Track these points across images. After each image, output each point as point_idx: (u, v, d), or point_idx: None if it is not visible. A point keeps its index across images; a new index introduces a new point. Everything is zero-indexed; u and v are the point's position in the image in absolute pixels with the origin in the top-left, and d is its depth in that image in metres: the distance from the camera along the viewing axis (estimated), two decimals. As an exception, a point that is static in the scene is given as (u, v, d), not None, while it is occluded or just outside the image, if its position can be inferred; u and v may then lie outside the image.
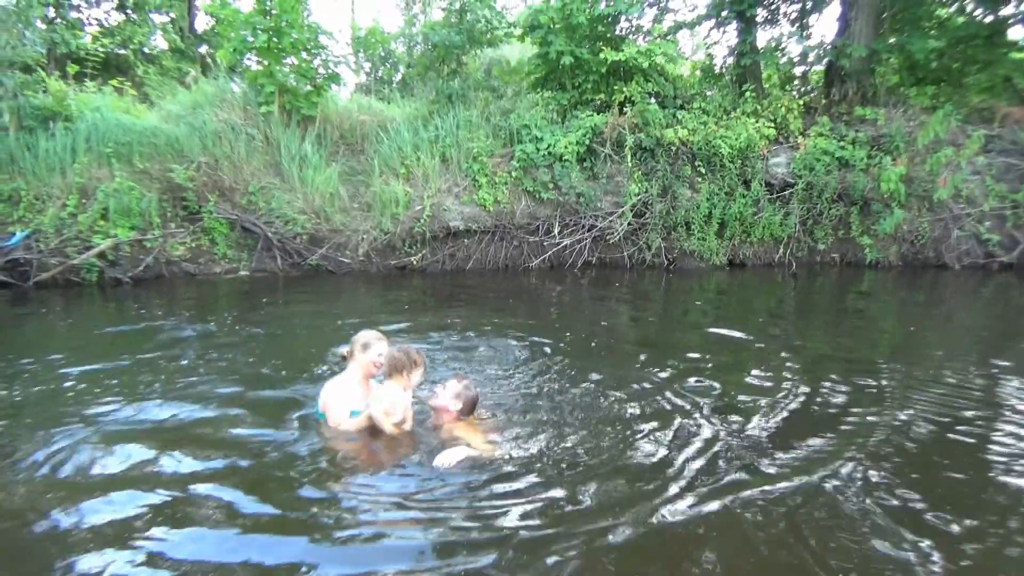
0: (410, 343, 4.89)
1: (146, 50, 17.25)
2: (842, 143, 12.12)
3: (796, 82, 14.75)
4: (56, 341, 7.12)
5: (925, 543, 3.26)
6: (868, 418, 4.85)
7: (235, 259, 10.82)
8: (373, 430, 4.19)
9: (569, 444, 4.26)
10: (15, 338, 7.22)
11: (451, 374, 4.38)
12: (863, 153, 11.97)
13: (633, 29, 13.65)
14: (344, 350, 4.45)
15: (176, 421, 4.60)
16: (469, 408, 4.24)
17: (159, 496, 3.57)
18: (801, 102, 12.88)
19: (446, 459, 3.72)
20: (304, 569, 3.01)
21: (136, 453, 4.07)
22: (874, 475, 3.96)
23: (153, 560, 3.05)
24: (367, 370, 4.31)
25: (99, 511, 3.44)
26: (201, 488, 3.66)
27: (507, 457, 3.94)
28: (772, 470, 3.97)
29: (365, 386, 4.32)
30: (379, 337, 4.34)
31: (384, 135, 11.90)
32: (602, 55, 11.89)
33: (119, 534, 3.24)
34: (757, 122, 12.17)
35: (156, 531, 3.27)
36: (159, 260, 10.30)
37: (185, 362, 6.04)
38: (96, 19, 17.28)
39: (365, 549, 3.18)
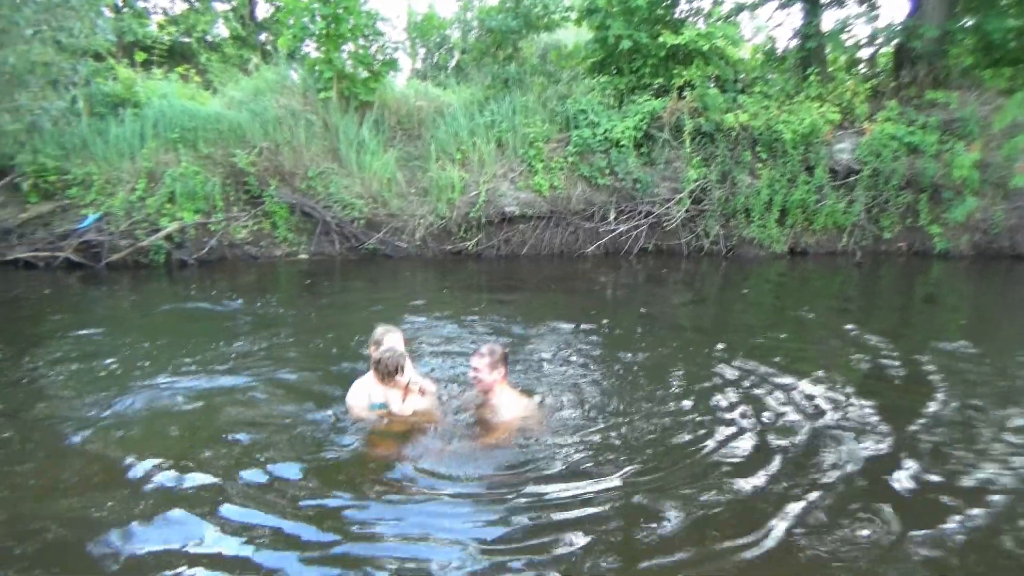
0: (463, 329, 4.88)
1: (209, 38, 17.63)
2: (911, 128, 11.61)
3: (862, 65, 14.20)
4: (118, 319, 7.48)
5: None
6: (931, 413, 4.69)
7: (295, 243, 11.02)
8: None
9: (613, 427, 4.31)
10: (85, 315, 7.54)
11: (470, 353, 4.48)
12: (934, 138, 11.46)
13: (693, 11, 13.31)
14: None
15: (218, 398, 4.78)
16: (505, 363, 4.35)
17: (192, 468, 3.74)
18: (868, 86, 12.40)
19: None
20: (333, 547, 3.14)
21: (174, 429, 4.30)
22: (936, 471, 3.85)
23: (184, 529, 3.23)
24: None
25: (139, 483, 3.63)
26: (232, 462, 3.84)
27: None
28: (825, 467, 3.90)
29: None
30: (387, 330, 4.47)
31: (441, 120, 11.91)
32: (661, 39, 11.63)
33: (155, 503, 3.44)
34: (821, 107, 11.75)
35: (187, 500, 3.45)
36: (222, 243, 10.58)
37: (239, 343, 6.23)
38: (161, 8, 17.74)
39: (396, 526, 3.30)
